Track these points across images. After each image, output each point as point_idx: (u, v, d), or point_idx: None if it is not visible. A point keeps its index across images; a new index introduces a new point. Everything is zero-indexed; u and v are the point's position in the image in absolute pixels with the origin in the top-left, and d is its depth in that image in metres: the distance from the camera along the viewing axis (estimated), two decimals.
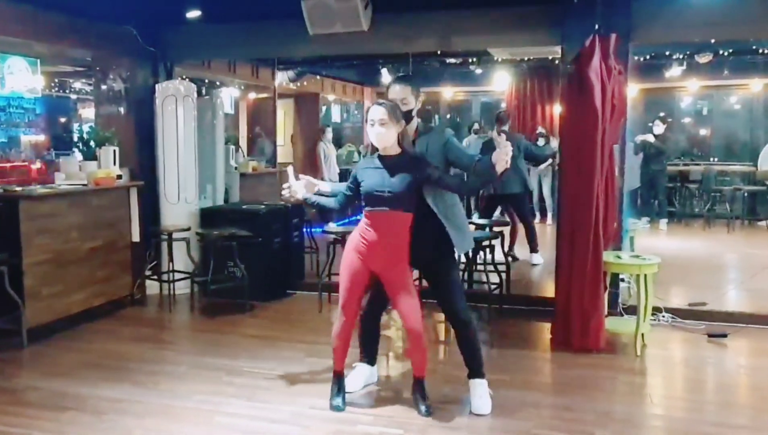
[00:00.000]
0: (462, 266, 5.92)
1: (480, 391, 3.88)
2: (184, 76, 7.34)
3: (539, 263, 7.79)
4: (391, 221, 3.64)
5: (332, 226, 7.16)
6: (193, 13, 6.23)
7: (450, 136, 3.79)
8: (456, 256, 3.81)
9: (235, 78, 10.10)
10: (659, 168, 10.69)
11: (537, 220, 11.13)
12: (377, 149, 3.69)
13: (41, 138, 11.02)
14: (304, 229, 7.15)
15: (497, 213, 8.67)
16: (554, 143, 10.03)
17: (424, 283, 4.28)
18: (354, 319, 3.83)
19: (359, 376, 4.17)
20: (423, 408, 3.80)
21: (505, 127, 7.99)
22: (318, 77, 11.74)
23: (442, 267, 3.85)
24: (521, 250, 7.99)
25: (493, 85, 12.44)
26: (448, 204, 3.75)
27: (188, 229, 6.28)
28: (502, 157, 3.42)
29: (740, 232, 10.70)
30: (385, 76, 11.04)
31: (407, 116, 3.72)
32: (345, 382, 3.99)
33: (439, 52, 9.02)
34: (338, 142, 12.82)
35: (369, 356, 4.23)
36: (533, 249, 7.88)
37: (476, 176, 3.69)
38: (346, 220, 8.69)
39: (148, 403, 3.96)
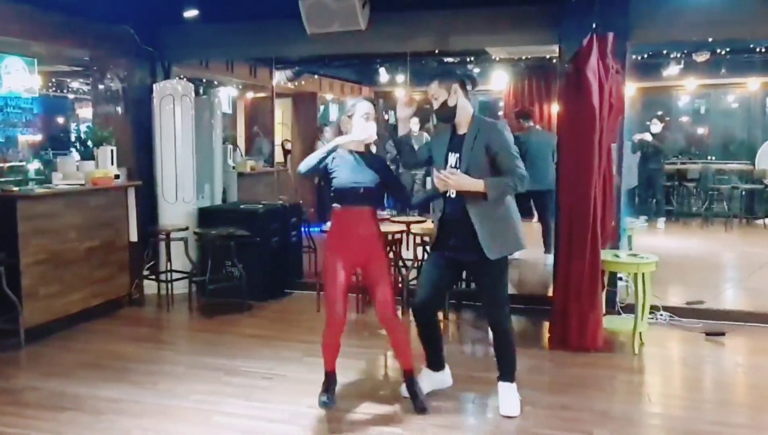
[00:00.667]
0: None
1: (505, 394, 3.87)
2: (181, 76, 7.34)
3: (551, 264, 7.73)
4: (371, 214, 3.79)
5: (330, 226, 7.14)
6: (191, 13, 6.22)
7: (502, 127, 3.69)
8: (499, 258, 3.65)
9: (232, 77, 10.09)
10: (657, 167, 10.70)
11: (535, 218, 11.13)
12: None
13: (38, 138, 11.00)
14: (302, 229, 7.14)
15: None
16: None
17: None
18: (344, 317, 3.83)
19: (424, 380, 4.03)
20: (417, 404, 3.82)
21: (530, 123, 7.97)
22: (316, 77, 11.73)
23: (481, 269, 3.75)
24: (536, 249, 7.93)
25: (491, 84, 12.43)
26: (487, 204, 3.59)
27: (186, 229, 6.28)
28: (440, 180, 3.53)
29: (738, 230, 10.71)
30: (383, 75, 11.05)
31: (445, 110, 3.69)
32: (336, 379, 3.98)
33: (437, 52, 9.01)
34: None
35: (433, 362, 4.09)
36: (548, 250, 7.84)
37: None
38: None
39: (146, 403, 3.96)
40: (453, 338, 5.43)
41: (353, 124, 3.76)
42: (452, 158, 3.68)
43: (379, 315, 3.83)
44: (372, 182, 3.74)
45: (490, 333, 4.00)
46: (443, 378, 4.12)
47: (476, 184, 3.53)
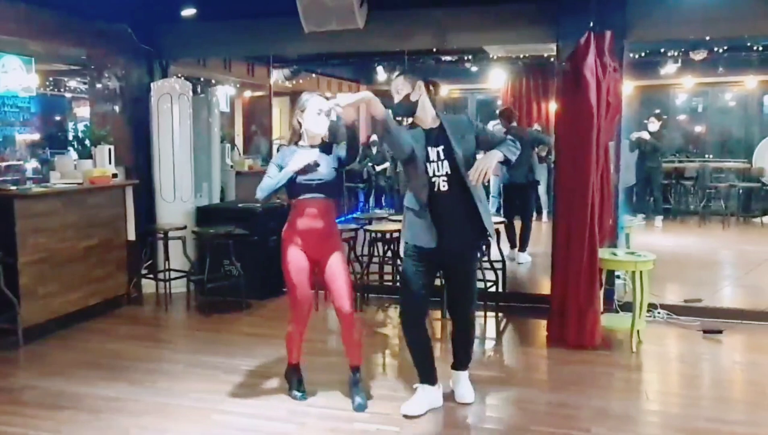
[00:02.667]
0: None
1: (466, 382, 3.98)
2: (179, 75, 7.33)
3: (524, 262, 7.81)
4: (328, 208, 3.81)
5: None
6: (188, 11, 6.22)
7: (470, 117, 3.88)
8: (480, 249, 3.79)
9: (230, 76, 10.07)
10: (654, 165, 10.70)
11: (533, 217, 11.13)
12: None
13: (36, 137, 10.97)
14: None
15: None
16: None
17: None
18: (310, 310, 3.94)
19: (423, 399, 3.82)
20: (357, 401, 3.84)
21: (514, 123, 8.05)
22: (313, 75, 11.72)
23: (467, 258, 3.81)
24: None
25: (489, 82, 12.45)
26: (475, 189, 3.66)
27: (184, 228, 6.27)
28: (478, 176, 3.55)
29: (735, 228, 10.73)
30: (381, 73, 11.05)
31: (406, 104, 3.65)
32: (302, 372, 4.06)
33: (434, 50, 9.01)
34: (333, 139, 12.78)
35: (424, 376, 3.86)
36: (521, 247, 7.87)
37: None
38: (343, 218, 8.67)
39: (145, 402, 3.96)
40: (451, 337, 5.43)
41: (305, 120, 3.79)
42: (433, 153, 3.62)
43: (336, 309, 3.84)
44: (328, 175, 3.76)
45: (454, 324, 3.99)
46: (438, 395, 3.89)
47: (496, 157, 3.63)
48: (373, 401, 3.94)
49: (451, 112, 14.32)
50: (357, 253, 6.45)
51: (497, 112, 9.33)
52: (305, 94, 3.92)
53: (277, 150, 4.02)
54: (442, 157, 3.61)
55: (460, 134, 3.65)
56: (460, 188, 3.62)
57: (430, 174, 3.61)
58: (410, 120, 3.77)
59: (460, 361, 3.99)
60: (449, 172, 3.60)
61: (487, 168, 3.54)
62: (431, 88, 3.76)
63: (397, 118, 3.78)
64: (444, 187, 3.63)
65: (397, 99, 3.68)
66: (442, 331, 5.46)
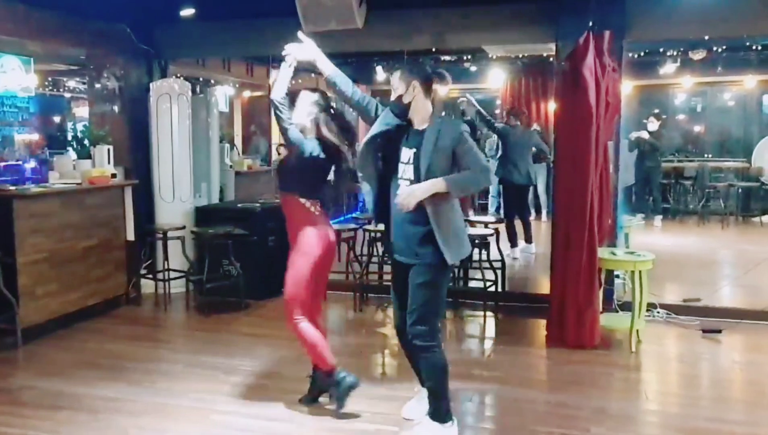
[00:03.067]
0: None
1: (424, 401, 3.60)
2: (178, 75, 7.33)
3: (534, 252, 8.10)
4: (290, 203, 3.81)
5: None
6: (187, 12, 6.21)
7: (465, 131, 3.47)
8: (439, 262, 3.34)
9: (229, 76, 10.07)
10: (654, 164, 10.71)
11: (532, 216, 11.15)
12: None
13: (35, 137, 10.97)
14: None
15: (492, 210, 8.80)
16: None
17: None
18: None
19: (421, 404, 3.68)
20: (306, 395, 3.88)
21: (518, 122, 8.13)
22: (313, 75, 11.70)
23: (416, 272, 3.39)
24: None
25: (488, 82, 12.44)
26: (441, 205, 3.36)
27: (183, 228, 6.27)
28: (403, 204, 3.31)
29: (734, 228, 10.73)
30: (380, 73, 11.05)
31: (400, 105, 3.52)
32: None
33: (433, 50, 9.01)
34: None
35: (421, 381, 3.67)
36: (529, 240, 8.16)
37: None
38: (342, 218, 8.66)
39: (144, 402, 3.96)
40: (450, 337, 5.44)
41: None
42: (406, 154, 3.46)
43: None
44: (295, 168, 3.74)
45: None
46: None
47: (435, 186, 3.28)
48: (372, 402, 3.93)
49: (450, 111, 14.36)
50: (356, 252, 6.45)
51: (505, 111, 9.40)
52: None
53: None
54: (411, 161, 3.43)
55: (441, 143, 3.37)
56: (430, 201, 3.33)
57: (399, 174, 3.46)
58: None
59: (421, 380, 3.66)
60: (412, 180, 3.40)
61: (415, 199, 3.26)
62: (432, 85, 3.59)
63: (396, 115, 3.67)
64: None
65: (393, 96, 3.62)
66: (442, 331, 5.45)
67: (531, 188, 8.92)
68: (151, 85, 6.55)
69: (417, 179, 3.37)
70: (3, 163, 9.15)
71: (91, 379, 4.31)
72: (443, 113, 3.81)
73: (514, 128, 8.14)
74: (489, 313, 5.74)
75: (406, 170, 3.44)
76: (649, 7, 5.37)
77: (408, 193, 3.31)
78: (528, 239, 8.17)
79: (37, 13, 5.61)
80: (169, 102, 6.45)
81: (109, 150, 6.07)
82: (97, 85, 6.59)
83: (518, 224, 8.04)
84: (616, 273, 5.56)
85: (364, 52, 9.16)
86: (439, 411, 3.45)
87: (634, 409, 3.95)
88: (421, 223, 3.35)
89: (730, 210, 11.03)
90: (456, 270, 5.98)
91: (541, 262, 7.47)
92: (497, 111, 12.80)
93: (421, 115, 3.52)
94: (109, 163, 6.05)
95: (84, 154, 6.05)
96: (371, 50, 8.65)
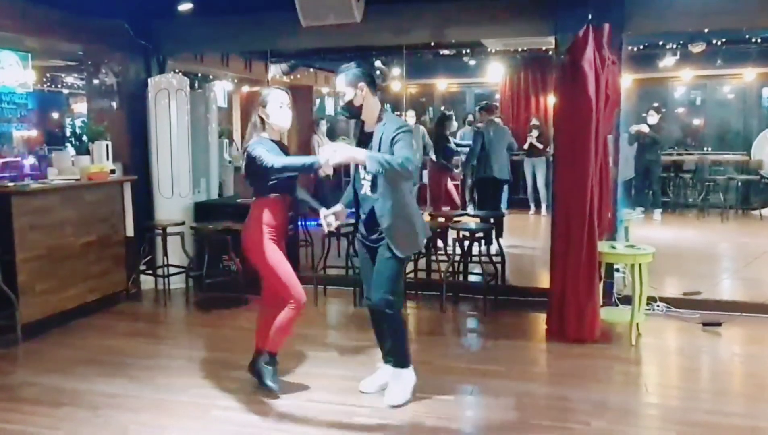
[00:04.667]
0: (448, 261, 5.94)
1: (393, 380, 3.89)
2: (176, 70, 7.31)
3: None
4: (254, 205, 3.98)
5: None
6: (185, 6, 6.19)
7: (403, 129, 3.59)
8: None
9: (228, 71, 10.05)
10: (653, 158, 10.70)
11: (532, 211, 11.16)
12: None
13: (33, 133, 10.94)
14: (299, 223, 7.14)
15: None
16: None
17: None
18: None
19: (385, 375, 4.00)
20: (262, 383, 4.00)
21: (495, 118, 8.12)
22: (311, 70, 11.70)
23: (380, 250, 3.73)
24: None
25: (487, 76, 12.43)
26: (391, 203, 3.63)
27: (182, 224, 6.27)
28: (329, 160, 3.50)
29: (734, 221, 10.73)
30: (379, 68, 11.02)
31: (351, 108, 3.69)
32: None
33: (432, 44, 8.98)
34: (332, 135, 12.79)
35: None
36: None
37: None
38: None
39: (144, 398, 3.96)
40: (450, 331, 5.44)
41: (271, 114, 3.87)
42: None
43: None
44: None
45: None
46: (409, 375, 3.94)
47: (356, 155, 3.51)
48: (373, 396, 3.93)
49: (449, 105, 14.37)
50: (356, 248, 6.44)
51: (478, 107, 9.40)
52: (264, 89, 4.02)
53: (246, 145, 3.94)
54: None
55: (383, 143, 3.57)
56: (384, 190, 3.60)
57: (361, 175, 3.70)
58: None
59: (385, 353, 4.00)
60: (368, 179, 3.66)
61: (340, 156, 3.48)
62: (375, 84, 3.74)
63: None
64: (368, 191, 3.69)
65: (342, 101, 3.71)
66: (442, 325, 5.46)
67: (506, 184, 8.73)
68: (149, 80, 6.54)
69: (374, 179, 3.61)
70: (1, 160, 9.13)
71: (90, 376, 4.31)
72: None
73: (489, 125, 8.12)
74: (489, 308, 5.73)
75: (362, 170, 3.67)
76: (648, 0, 5.35)
77: (330, 150, 3.51)
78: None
79: (34, 9, 5.59)
80: (168, 97, 6.44)
81: (107, 146, 6.06)
82: (95, 81, 6.58)
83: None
84: (616, 267, 5.56)
85: (363, 47, 9.13)
86: (403, 360, 3.88)
87: (634, 402, 3.95)
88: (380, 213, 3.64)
89: (730, 203, 11.03)
90: (455, 264, 6.00)
91: (541, 256, 7.47)
92: (496, 105, 12.79)
93: (371, 114, 3.72)
94: (107, 159, 6.04)
95: (82, 150, 6.05)
96: (370, 44, 8.61)
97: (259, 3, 5.98)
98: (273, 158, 3.67)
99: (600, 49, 4.75)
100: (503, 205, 9.18)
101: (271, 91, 3.93)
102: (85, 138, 6.09)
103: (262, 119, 3.90)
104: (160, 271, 6.29)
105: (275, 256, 3.85)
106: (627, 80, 9.49)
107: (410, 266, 5.92)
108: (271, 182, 3.81)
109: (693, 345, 4.96)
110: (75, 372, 4.39)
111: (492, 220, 6.55)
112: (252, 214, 3.93)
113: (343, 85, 3.68)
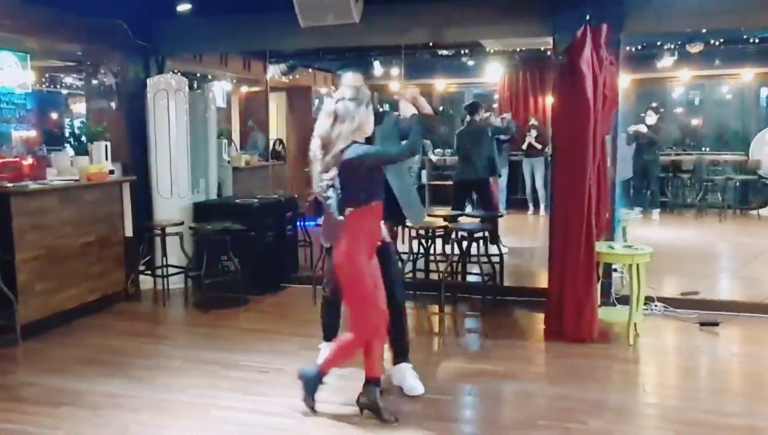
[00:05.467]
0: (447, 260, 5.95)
1: (411, 374, 4.00)
2: (175, 70, 7.31)
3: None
4: None
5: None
6: (184, 7, 6.20)
7: (396, 117, 4.02)
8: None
9: (226, 71, 10.05)
10: (651, 158, 10.72)
11: (531, 211, 11.18)
12: None
13: (32, 133, 10.95)
14: (298, 223, 7.14)
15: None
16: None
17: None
18: None
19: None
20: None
21: (476, 117, 8.07)
22: (310, 70, 11.70)
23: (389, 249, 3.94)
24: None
25: (486, 76, 12.44)
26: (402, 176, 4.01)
27: (181, 224, 6.27)
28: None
29: (732, 221, 10.75)
30: (378, 68, 11.03)
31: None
32: None
33: (431, 44, 9.00)
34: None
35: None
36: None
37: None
38: None
39: (144, 398, 3.97)
40: (449, 331, 5.45)
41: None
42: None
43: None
44: None
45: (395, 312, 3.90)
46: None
47: (422, 105, 3.86)
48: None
49: (448, 105, 14.37)
50: None
51: (463, 106, 9.36)
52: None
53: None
54: None
55: (386, 135, 3.85)
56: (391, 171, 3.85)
57: None
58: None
59: (398, 351, 4.05)
60: None
61: (412, 94, 3.86)
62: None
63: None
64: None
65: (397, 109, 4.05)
66: (440, 325, 5.47)
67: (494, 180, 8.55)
68: (148, 81, 6.54)
69: None
70: (0, 160, 9.13)
71: (90, 375, 4.32)
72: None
73: (470, 125, 8.07)
74: (487, 307, 5.74)
75: None
76: (646, 0, 5.36)
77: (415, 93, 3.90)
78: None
79: (33, 9, 5.59)
80: (167, 98, 6.44)
81: (106, 146, 6.06)
82: (94, 82, 6.58)
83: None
84: (614, 267, 5.56)
85: (361, 47, 9.14)
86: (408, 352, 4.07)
87: (632, 401, 3.96)
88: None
89: (728, 203, 11.04)
90: (454, 264, 6.01)
91: (539, 256, 7.48)
92: (494, 105, 12.81)
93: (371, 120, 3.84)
94: (106, 159, 6.04)
95: (81, 150, 6.05)
96: (368, 45, 8.63)
97: (258, 3, 5.99)
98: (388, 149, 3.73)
99: (598, 49, 4.77)
100: (502, 206, 9.14)
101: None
102: (84, 138, 6.09)
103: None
104: (159, 272, 6.30)
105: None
106: (625, 80, 9.50)
107: (409, 266, 5.93)
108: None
109: (691, 345, 4.97)
110: (75, 372, 4.39)
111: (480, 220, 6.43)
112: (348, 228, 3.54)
113: (351, 106, 3.71)
